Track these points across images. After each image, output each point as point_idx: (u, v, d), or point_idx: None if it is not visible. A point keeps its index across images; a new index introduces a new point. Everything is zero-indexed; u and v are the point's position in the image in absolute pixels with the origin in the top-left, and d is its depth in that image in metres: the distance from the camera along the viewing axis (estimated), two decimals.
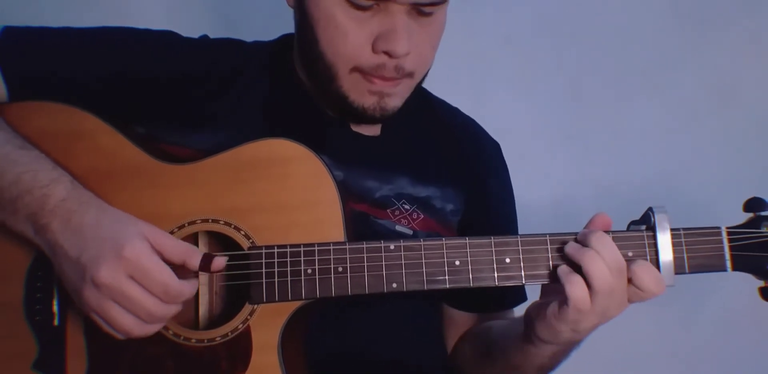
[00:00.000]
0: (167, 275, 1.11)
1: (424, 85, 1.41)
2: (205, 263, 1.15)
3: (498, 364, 1.36)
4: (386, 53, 1.24)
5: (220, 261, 1.16)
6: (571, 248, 1.14)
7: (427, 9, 1.25)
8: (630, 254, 1.15)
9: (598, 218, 1.17)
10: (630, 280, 1.12)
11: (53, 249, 1.14)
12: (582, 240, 1.14)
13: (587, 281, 1.10)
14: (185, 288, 1.13)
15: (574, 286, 1.11)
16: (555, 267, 1.16)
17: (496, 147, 1.56)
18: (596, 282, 1.10)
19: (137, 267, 1.10)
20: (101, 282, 1.09)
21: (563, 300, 1.12)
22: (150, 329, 1.14)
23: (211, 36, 1.46)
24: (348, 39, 1.25)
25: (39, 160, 1.20)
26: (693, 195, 2.00)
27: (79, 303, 1.14)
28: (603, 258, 1.10)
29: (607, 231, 1.15)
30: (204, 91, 1.36)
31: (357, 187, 1.35)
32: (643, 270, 1.11)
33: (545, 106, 2.09)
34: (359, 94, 1.29)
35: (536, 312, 1.19)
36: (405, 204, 1.37)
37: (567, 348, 1.27)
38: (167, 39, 1.40)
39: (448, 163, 1.45)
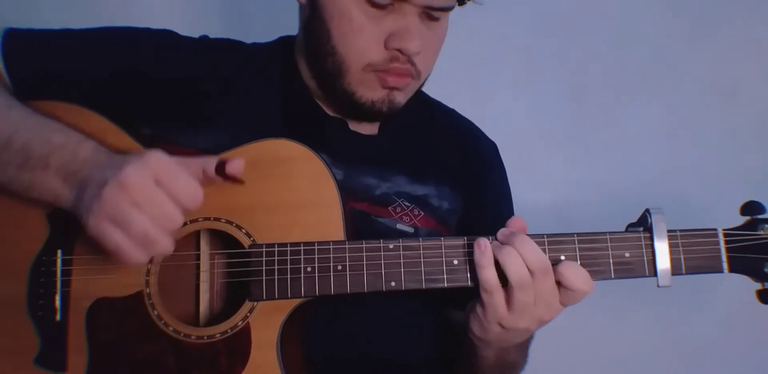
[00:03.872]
0: (194, 182, 1.12)
1: (425, 85, 1.42)
2: (221, 167, 1.16)
3: (465, 365, 1.37)
4: (399, 51, 1.28)
5: (236, 164, 1.17)
6: (493, 245, 1.16)
7: (436, 13, 1.29)
8: (627, 255, 1.17)
9: (514, 222, 1.20)
10: (559, 283, 1.15)
11: (80, 186, 1.14)
12: (503, 241, 1.17)
13: (506, 275, 1.14)
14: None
15: (484, 270, 1.14)
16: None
17: (492, 147, 1.57)
18: (513, 276, 1.13)
19: (164, 171, 1.10)
20: (128, 180, 1.08)
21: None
22: (163, 240, 1.10)
23: (210, 36, 1.46)
24: (363, 35, 1.28)
25: (65, 126, 1.22)
26: (691, 196, 2.00)
27: (88, 215, 1.10)
28: (522, 255, 1.13)
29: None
30: (204, 91, 1.37)
31: (357, 186, 1.36)
32: (569, 269, 1.14)
33: (545, 107, 2.10)
34: (369, 88, 1.32)
35: (471, 308, 1.21)
36: (405, 201, 1.39)
37: (506, 352, 1.29)
38: (167, 39, 1.41)
39: (444, 162, 1.47)
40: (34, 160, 1.17)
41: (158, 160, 1.11)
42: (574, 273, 1.14)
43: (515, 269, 1.13)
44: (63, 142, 1.18)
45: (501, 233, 1.18)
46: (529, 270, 1.14)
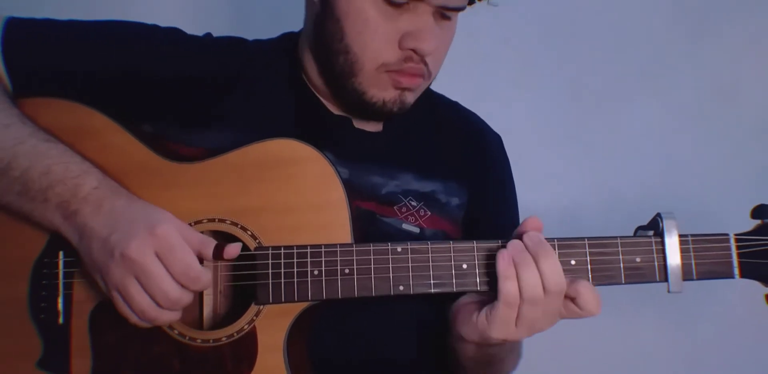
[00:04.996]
0: (190, 256, 1.13)
1: None
2: (218, 251, 1.15)
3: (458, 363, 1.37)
4: (413, 50, 1.27)
5: (233, 249, 1.17)
6: (516, 251, 1.14)
7: (449, 13, 1.29)
8: (638, 260, 1.16)
9: (531, 222, 1.18)
10: (573, 300, 1.14)
11: (82, 231, 1.15)
12: (529, 247, 1.14)
13: (520, 289, 1.13)
14: (203, 273, 1.14)
15: (508, 281, 1.13)
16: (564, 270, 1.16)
17: (497, 139, 1.57)
18: (526, 292, 1.12)
19: (165, 244, 1.12)
20: (129, 255, 1.10)
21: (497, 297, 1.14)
22: (161, 316, 1.14)
23: (214, 33, 1.45)
24: (377, 34, 1.27)
25: (67, 152, 1.21)
26: (690, 196, 2.00)
27: (101, 280, 1.15)
28: (542, 274, 1.12)
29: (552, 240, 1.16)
30: (209, 90, 1.35)
31: (363, 184, 1.35)
32: (587, 291, 1.13)
33: (545, 107, 2.10)
34: (381, 88, 1.31)
35: (463, 308, 1.20)
36: (412, 200, 1.38)
37: (488, 352, 1.28)
38: (173, 37, 1.39)
39: (450, 157, 1.46)
40: (34, 192, 1.17)
41: (164, 230, 1.12)
42: (591, 296, 1.13)
43: (531, 285, 1.12)
44: (62, 176, 1.17)
45: (529, 238, 1.15)
46: (543, 288, 1.12)
